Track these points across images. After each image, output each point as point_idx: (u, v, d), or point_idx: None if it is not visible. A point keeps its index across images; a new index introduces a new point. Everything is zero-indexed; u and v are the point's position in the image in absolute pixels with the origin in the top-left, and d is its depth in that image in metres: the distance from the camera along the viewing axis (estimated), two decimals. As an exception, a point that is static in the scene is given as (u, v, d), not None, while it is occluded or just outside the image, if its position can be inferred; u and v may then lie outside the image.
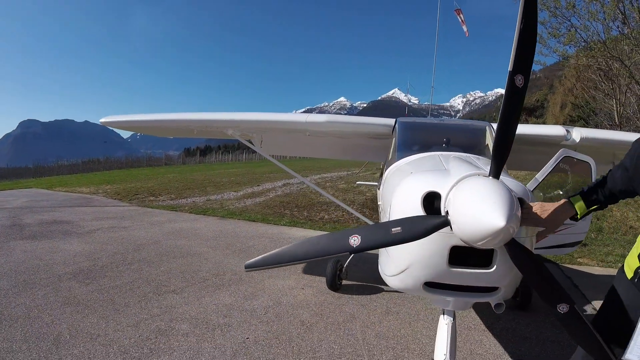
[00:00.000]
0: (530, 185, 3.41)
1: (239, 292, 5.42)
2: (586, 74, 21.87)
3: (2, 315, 4.44)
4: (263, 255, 2.25)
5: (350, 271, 5.95)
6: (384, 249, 2.62)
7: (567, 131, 4.69)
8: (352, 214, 8.70)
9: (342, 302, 5.22)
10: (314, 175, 22.63)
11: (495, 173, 1.95)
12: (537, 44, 1.83)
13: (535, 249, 2.32)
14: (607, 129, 19.10)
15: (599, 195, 2.12)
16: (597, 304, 5.43)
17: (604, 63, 15.53)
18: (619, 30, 13.54)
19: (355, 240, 2.06)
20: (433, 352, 2.67)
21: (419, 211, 2.14)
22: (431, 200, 2.16)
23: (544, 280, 1.97)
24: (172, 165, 43.53)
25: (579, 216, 2.13)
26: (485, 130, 4.40)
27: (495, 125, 4.41)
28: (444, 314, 2.65)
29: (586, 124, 24.80)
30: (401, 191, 2.38)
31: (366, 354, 3.90)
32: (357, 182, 13.99)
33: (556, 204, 2.12)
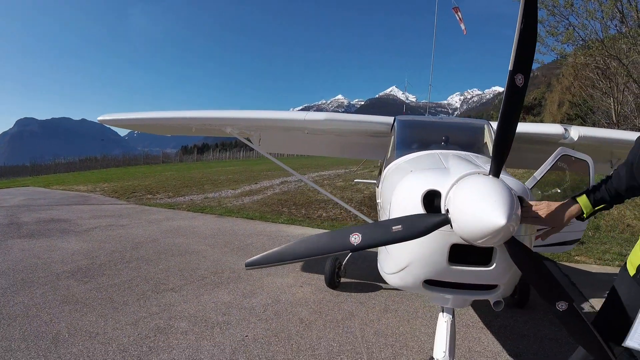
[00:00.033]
0: (529, 183, 3.42)
1: (238, 290, 5.42)
2: (584, 72, 21.96)
3: (0, 314, 4.43)
4: (264, 253, 2.25)
5: (348, 269, 5.96)
6: (383, 247, 2.63)
7: (565, 130, 4.70)
8: (350, 211, 8.72)
9: (340, 299, 5.23)
10: (312, 173, 22.64)
11: (496, 172, 1.96)
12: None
13: (533, 247, 2.33)
14: (604, 127, 19.17)
15: (605, 194, 2.12)
16: (595, 301, 5.46)
17: (601, 62, 15.58)
18: (617, 29, 13.58)
19: (356, 239, 2.06)
20: (432, 349, 2.68)
21: (419, 209, 2.14)
22: (431, 199, 2.16)
23: (543, 278, 1.98)
24: (170, 163, 43.47)
25: (585, 215, 2.13)
26: (483, 129, 4.41)
27: (493, 124, 4.43)
28: (443, 312, 2.66)
29: (583, 122, 24.88)
30: (401, 189, 2.39)
31: (365, 352, 3.91)
32: (355, 180, 14.01)
33: (561, 203, 2.13)
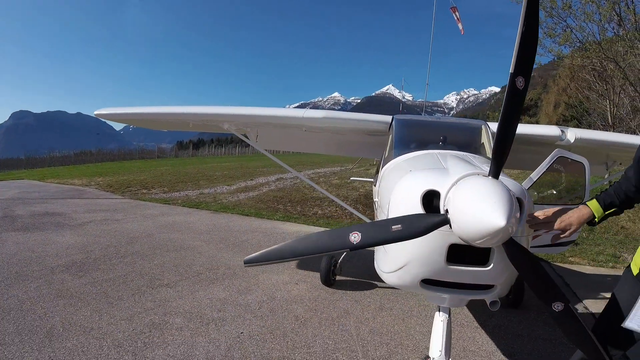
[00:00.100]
0: (525, 184, 3.44)
1: (233, 287, 5.42)
2: (580, 74, 22.03)
3: (-6, 307, 4.42)
4: (263, 251, 2.25)
5: (344, 267, 5.97)
6: (381, 245, 2.63)
7: (562, 131, 4.73)
8: (345, 209, 8.71)
9: (336, 297, 5.24)
10: (308, 170, 22.63)
11: (495, 173, 1.97)
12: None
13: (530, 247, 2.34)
14: (600, 129, 19.30)
15: (614, 198, 2.14)
16: (588, 302, 5.50)
17: (598, 64, 15.63)
18: (615, 32, 13.63)
19: (355, 237, 2.06)
20: (426, 348, 2.70)
21: (419, 209, 2.15)
22: (430, 199, 2.17)
23: (540, 279, 1.99)
24: (165, 158, 43.34)
25: (597, 219, 2.15)
26: (481, 129, 4.43)
27: (490, 124, 4.44)
28: (439, 311, 2.67)
29: (579, 124, 25.02)
30: (400, 189, 2.39)
31: (360, 350, 3.92)
32: (352, 178, 14.01)
33: (573, 208, 2.14)
